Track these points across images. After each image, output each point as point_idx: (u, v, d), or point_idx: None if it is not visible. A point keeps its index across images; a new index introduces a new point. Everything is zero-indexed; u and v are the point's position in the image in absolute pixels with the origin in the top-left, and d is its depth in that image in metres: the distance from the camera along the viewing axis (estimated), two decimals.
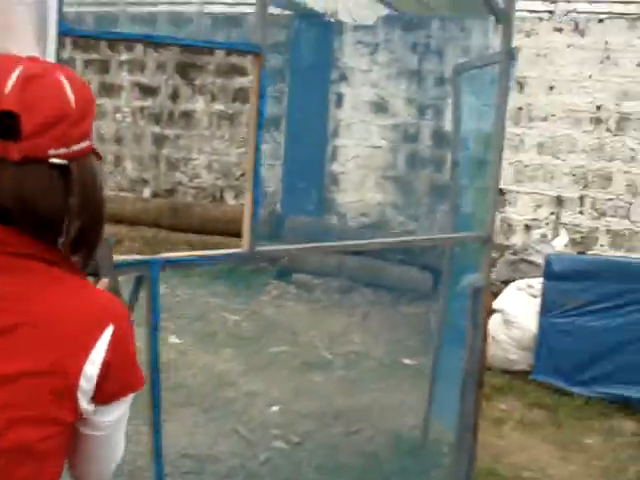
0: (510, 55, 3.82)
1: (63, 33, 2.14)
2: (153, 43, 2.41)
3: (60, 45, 2.04)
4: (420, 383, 6.17)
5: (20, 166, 1.20)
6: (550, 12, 16.41)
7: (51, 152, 1.23)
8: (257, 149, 2.83)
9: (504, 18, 3.79)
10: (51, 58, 1.99)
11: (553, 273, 6.23)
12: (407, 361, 6.64)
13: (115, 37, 2.45)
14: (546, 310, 6.26)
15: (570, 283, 6.18)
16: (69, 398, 1.24)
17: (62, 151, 1.24)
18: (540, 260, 7.05)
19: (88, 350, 1.25)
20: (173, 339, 6.52)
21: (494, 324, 6.44)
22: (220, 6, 15.47)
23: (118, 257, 2.57)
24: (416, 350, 6.90)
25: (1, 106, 1.18)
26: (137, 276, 2.61)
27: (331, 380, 6.07)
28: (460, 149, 4.83)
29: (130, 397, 1.36)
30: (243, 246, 2.85)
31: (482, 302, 3.95)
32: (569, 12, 17.63)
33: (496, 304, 6.59)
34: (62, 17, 2.06)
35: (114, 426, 1.37)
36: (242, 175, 10.02)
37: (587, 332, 6.10)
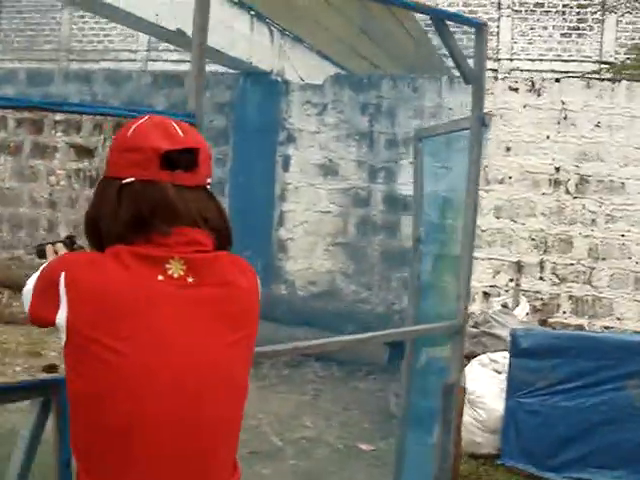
0: (481, 121, 3.39)
1: None
2: (59, 112, 1.94)
3: None
4: (379, 472, 5.65)
5: (192, 190, 1.61)
6: (494, 70, 16.38)
7: (207, 180, 1.67)
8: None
9: (475, 81, 3.36)
10: None
11: (520, 350, 5.79)
12: (363, 447, 6.10)
13: (14, 105, 1.94)
14: (513, 389, 5.80)
15: (539, 360, 5.74)
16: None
17: (209, 180, 1.68)
18: (503, 333, 6.61)
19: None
20: None
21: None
22: (165, 63, 15.14)
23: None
24: (372, 434, 6.39)
25: (186, 144, 1.59)
26: (42, 401, 2.12)
27: (282, 471, 5.52)
28: (422, 222, 4.38)
29: None
30: None
31: (455, 400, 3.45)
32: (512, 70, 17.63)
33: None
34: None
35: None
36: None
37: (558, 413, 5.66)
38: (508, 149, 8.06)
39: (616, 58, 16.98)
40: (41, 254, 2.10)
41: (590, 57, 17.73)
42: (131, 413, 1.50)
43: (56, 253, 1.98)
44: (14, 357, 7.81)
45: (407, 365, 4.22)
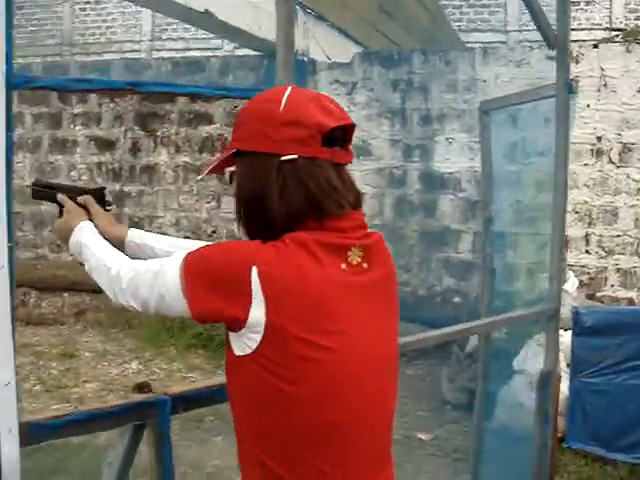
0: (568, 87, 3.13)
1: (16, 86, 1.62)
2: (142, 92, 1.72)
3: (9, 100, 1.55)
4: (442, 462, 5.44)
5: (344, 168, 1.55)
6: (503, 42, 16.05)
7: None
8: None
9: (559, 44, 3.09)
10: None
11: (583, 328, 5.54)
12: (422, 436, 5.88)
13: (95, 87, 1.69)
14: (577, 369, 5.57)
15: (603, 338, 5.50)
16: None
17: None
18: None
19: None
20: None
21: (517, 388, 5.72)
22: (169, 52, 14.89)
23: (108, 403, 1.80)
24: (428, 422, 6.17)
25: (344, 120, 1.52)
26: (135, 425, 1.87)
27: None
28: (492, 200, 4.12)
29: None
30: None
31: (551, 390, 3.21)
32: (520, 42, 17.31)
33: (516, 364, 5.88)
34: (11, 68, 1.58)
35: None
36: (214, 232, 9.24)
37: (626, 391, 5.43)
38: (547, 120, 7.77)
39: (626, 24, 16.61)
40: (38, 195, 2.00)
41: (600, 25, 17.38)
42: (347, 410, 1.47)
43: (82, 207, 1.91)
44: (48, 360, 7.63)
45: (483, 353, 3.98)
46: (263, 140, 1.47)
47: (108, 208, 2.00)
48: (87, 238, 1.78)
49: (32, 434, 1.67)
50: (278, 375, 1.41)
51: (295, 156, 1.46)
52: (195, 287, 1.46)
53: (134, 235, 1.95)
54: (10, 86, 1.55)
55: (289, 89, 1.53)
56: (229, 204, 9.20)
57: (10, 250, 1.58)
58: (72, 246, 1.81)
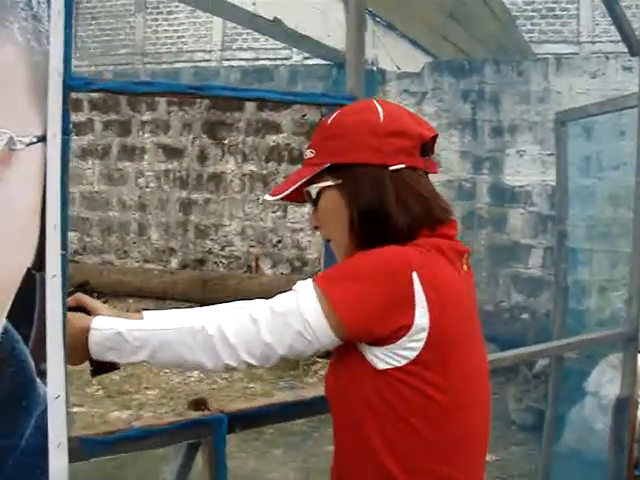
0: None
1: (73, 87, 1.53)
2: (206, 97, 1.66)
3: (66, 102, 1.46)
4: None
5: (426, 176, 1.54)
6: (575, 54, 15.72)
7: None
8: None
9: None
10: (55, 119, 1.46)
11: None
12: (487, 457, 5.68)
13: (154, 90, 1.63)
14: None
15: None
16: None
17: None
18: None
19: None
20: None
21: (589, 411, 5.51)
22: (239, 62, 15.00)
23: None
24: (494, 442, 5.97)
25: (433, 132, 1.55)
26: (189, 443, 1.81)
27: None
28: (566, 215, 3.96)
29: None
30: None
31: (628, 417, 3.04)
32: (593, 53, 16.91)
33: (588, 386, 5.67)
34: (70, 69, 1.49)
35: None
36: (279, 242, 9.21)
37: None
38: (622, 134, 7.54)
39: None
40: None
41: None
42: (478, 415, 1.51)
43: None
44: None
45: (554, 374, 3.82)
46: (371, 151, 1.47)
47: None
48: (118, 324, 1.50)
49: (83, 449, 1.62)
50: (434, 384, 1.39)
51: (403, 166, 1.47)
52: (349, 302, 1.38)
53: (151, 314, 1.70)
54: (67, 87, 1.49)
55: (375, 101, 1.55)
56: (295, 214, 9.17)
57: (63, 258, 1.52)
58: (97, 347, 1.51)
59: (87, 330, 1.50)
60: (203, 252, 9.60)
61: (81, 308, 1.60)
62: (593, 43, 15.05)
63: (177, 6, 15.22)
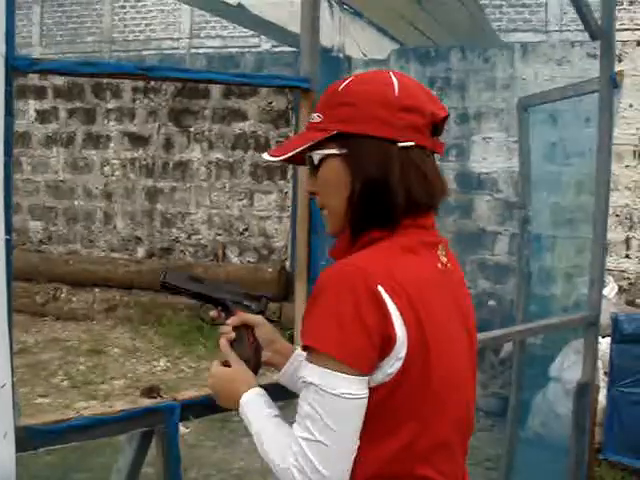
0: (612, 82, 2.97)
1: (17, 68, 1.49)
2: (152, 78, 1.61)
3: (10, 82, 1.42)
4: (473, 471, 5.28)
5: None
6: (543, 42, 15.77)
7: None
8: (312, 229, 1.93)
9: (603, 36, 2.93)
10: None
11: (623, 335, 5.35)
12: None
13: (101, 71, 1.59)
14: (615, 378, 5.37)
15: None
16: None
17: None
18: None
19: None
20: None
21: (553, 396, 5.55)
22: (207, 50, 14.90)
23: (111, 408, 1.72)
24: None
25: (445, 112, 1.46)
26: (143, 432, 1.79)
27: None
28: (529, 201, 3.96)
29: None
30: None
31: (589, 401, 3.05)
32: (561, 42, 17.01)
33: (552, 371, 5.70)
34: (12, 49, 1.45)
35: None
36: (246, 230, 9.16)
37: None
38: (587, 120, 7.58)
39: None
40: (168, 286, 1.71)
41: None
42: (452, 423, 1.44)
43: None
44: (77, 355, 7.61)
45: (518, 359, 3.83)
46: (381, 124, 1.40)
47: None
48: (256, 421, 1.47)
49: (30, 439, 1.58)
50: (415, 392, 1.35)
51: (412, 143, 1.41)
52: (355, 352, 1.29)
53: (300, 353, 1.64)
54: (11, 68, 1.45)
55: (392, 73, 1.47)
56: (261, 201, 9.12)
57: (8, 243, 1.48)
58: (239, 410, 1.54)
59: (235, 399, 1.53)
60: (169, 241, 9.53)
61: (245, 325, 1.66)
62: (561, 32, 15.06)
63: None
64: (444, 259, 1.47)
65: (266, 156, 1.50)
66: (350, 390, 1.28)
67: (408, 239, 1.41)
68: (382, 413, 1.33)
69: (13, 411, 1.51)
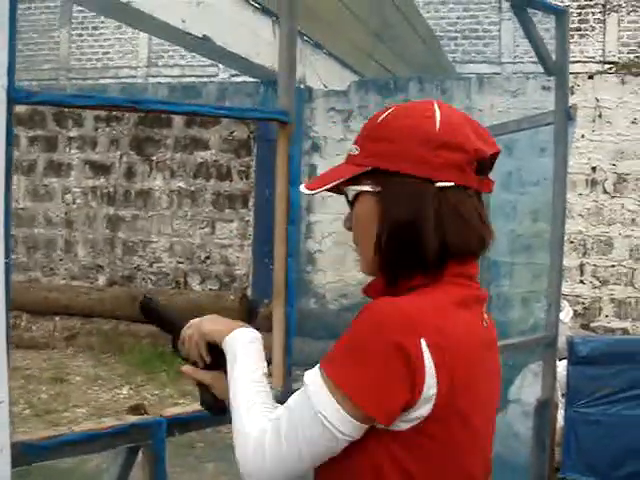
0: (567, 114, 3.13)
1: (16, 100, 1.64)
2: (141, 110, 1.71)
3: (10, 113, 1.60)
4: None
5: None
6: (497, 74, 16.17)
7: None
8: (289, 253, 2.03)
9: (558, 71, 3.10)
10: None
11: (578, 357, 5.51)
12: None
13: (97, 103, 1.68)
14: (572, 399, 5.51)
15: (598, 368, 5.46)
16: None
17: None
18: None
19: None
20: None
21: (512, 417, 5.68)
22: (165, 79, 14.99)
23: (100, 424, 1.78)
24: None
25: (496, 147, 1.34)
26: (129, 447, 1.85)
27: None
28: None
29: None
30: (273, 384, 2.06)
31: (549, 418, 3.18)
32: (515, 74, 17.45)
33: (511, 394, 5.83)
34: (13, 82, 1.59)
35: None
36: (207, 258, 9.22)
37: (621, 422, 5.37)
38: (542, 150, 7.81)
39: (619, 57, 16.76)
40: (148, 313, 1.61)
41: (594, 57, 17.53)
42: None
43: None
44: (38, 384, 7.56)
45: None
46: (418, 162, 1.29)
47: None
48: (240, 369, 1.40)
49: (24, 455, 1.65)
50: (415, 456, 1.25)
51: (452, 183, 1.29)
52: (355, 380, 1.20)
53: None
54: (11, 100, 1.54)
55: (436, 105, 1.34)
56: (223, 229, 9.20)
57: (7, 267, 1.56)
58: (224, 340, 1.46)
59: (227, 329, 1.45)
60: (131, 269, 9.54)
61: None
62: (514, 63, 15.49)
63: (102, 22, 15.10)
64: (486, 316, 1.36)
65: (302, 189, 1.39)
66: (345, 430, 1.20)
67: (460, 291, 1.30)
68: (398, 461, 1.24)
69: (9, 427, 1.58)
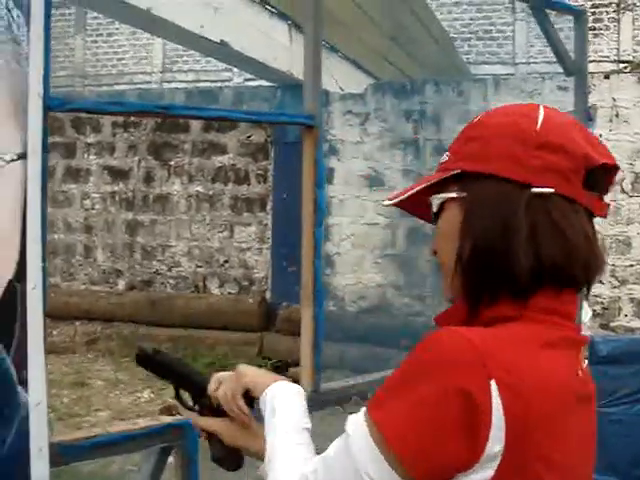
0: (586, 114, 3.14)
1: (51, 107, 1.64)
2: (171, 116, 1.74)
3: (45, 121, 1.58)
4: None
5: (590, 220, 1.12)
6: (511, 74, 16.16)
7: None
8: (316, 255, 2.06)
9: (577, 72, 3.12)
10: (35, 138, 1.58)
11: (599, 357, 5.50)
12: None
13: (128, 110, 1.71)
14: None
15: (619, 367, 5.45)
16: None
17: None
18: None
19: None
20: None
21: None
22: (180, 84, 15.07)
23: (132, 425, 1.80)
24: None
25: (612, 159, 1.11)
26: (162, 447, 1.90)
27: None
28: None
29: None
30: (303, 384, 2.07)
31: None
32: (529, 74, 17.40)
33: None
34: (48, 90, 1.59)
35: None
36: (226, 262, 9.27)
37: None
38: None
39: (634, 57, 16.72)
40: (143, 361, 1.57)
41: (608, 57, 17.50)
42: None
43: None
44: (60, 388, 7.62)
45: None
46: (511, 163, 1.08)
47: None
48: (280, 423, 1.25)
49: (61, 455, 1.67)
50: None
51: (551, 190, 1.06)
52: (410, 441, 0.97)
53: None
54: (46, 107, 1.57)
55: (541, 106, 1.13)
56: (241, 233, 9.24)
57: (43, 270, 1.59)
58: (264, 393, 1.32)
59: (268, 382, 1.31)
60: (150, 273, 9.60)
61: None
62: (528, 64, 15.48)
63: (117, 28, 15.19)
64: (584, 364, 1.14)
65: (386, 202, 1.21)
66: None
67: (549, 329, 1.06)
68: None
69: (47, 428, 1.61)
